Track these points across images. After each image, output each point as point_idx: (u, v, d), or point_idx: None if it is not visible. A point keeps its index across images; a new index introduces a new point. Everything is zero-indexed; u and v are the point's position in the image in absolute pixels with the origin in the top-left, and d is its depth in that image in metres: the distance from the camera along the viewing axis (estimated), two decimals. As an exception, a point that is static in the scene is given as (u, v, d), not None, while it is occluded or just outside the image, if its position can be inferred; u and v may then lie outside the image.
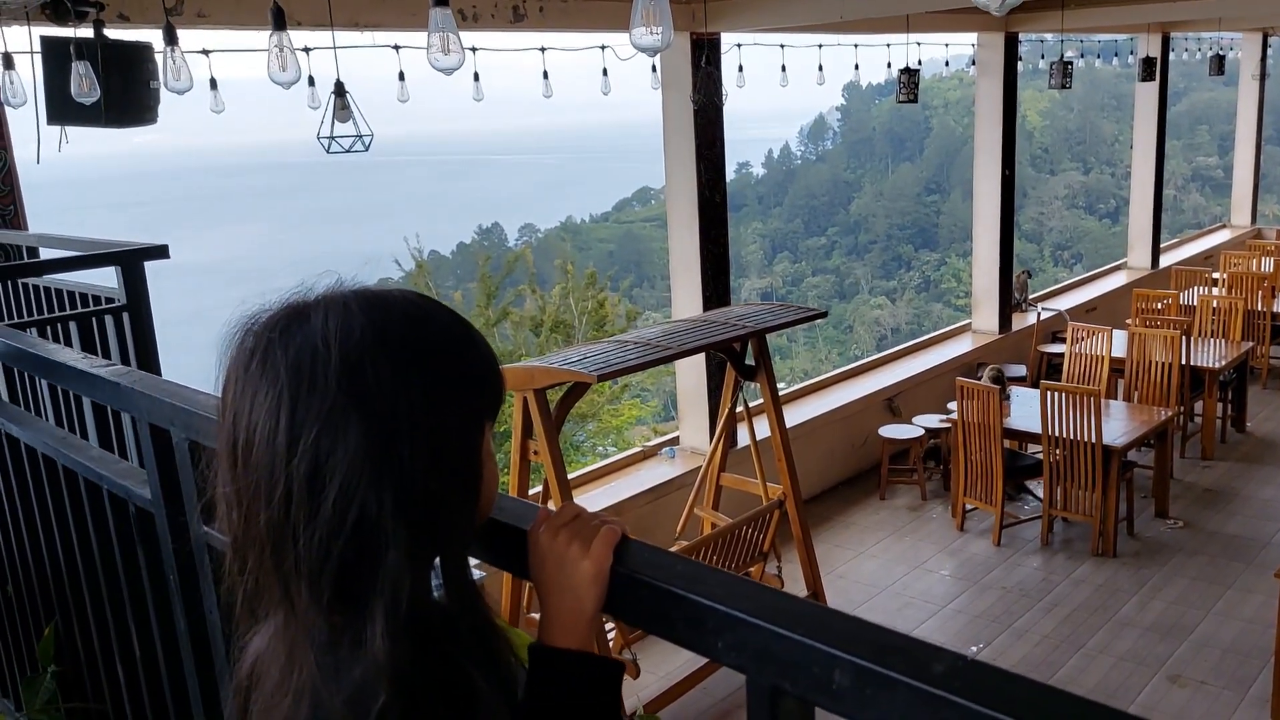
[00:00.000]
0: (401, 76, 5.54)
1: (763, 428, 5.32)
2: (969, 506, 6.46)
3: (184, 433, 1.34)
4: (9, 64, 3.45)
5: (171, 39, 2.65)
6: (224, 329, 0.85)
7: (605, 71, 6.29)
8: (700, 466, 5.52)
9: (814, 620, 0.66)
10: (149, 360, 2.94)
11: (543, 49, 6.10)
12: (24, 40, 3.70)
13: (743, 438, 5.88)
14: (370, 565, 0.77)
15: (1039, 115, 44.57)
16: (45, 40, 3.59)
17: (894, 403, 7.67)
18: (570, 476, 5.90)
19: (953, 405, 6.42)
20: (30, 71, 3.70)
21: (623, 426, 17.03)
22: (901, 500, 7.05)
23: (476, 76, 5.71)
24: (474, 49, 5.64)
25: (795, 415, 6.94)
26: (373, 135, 4.30)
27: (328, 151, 4.18)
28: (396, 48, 5.35)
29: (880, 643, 0.63)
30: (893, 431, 7.12)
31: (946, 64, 8.60)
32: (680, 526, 5.40)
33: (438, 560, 0.81)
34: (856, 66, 7.44)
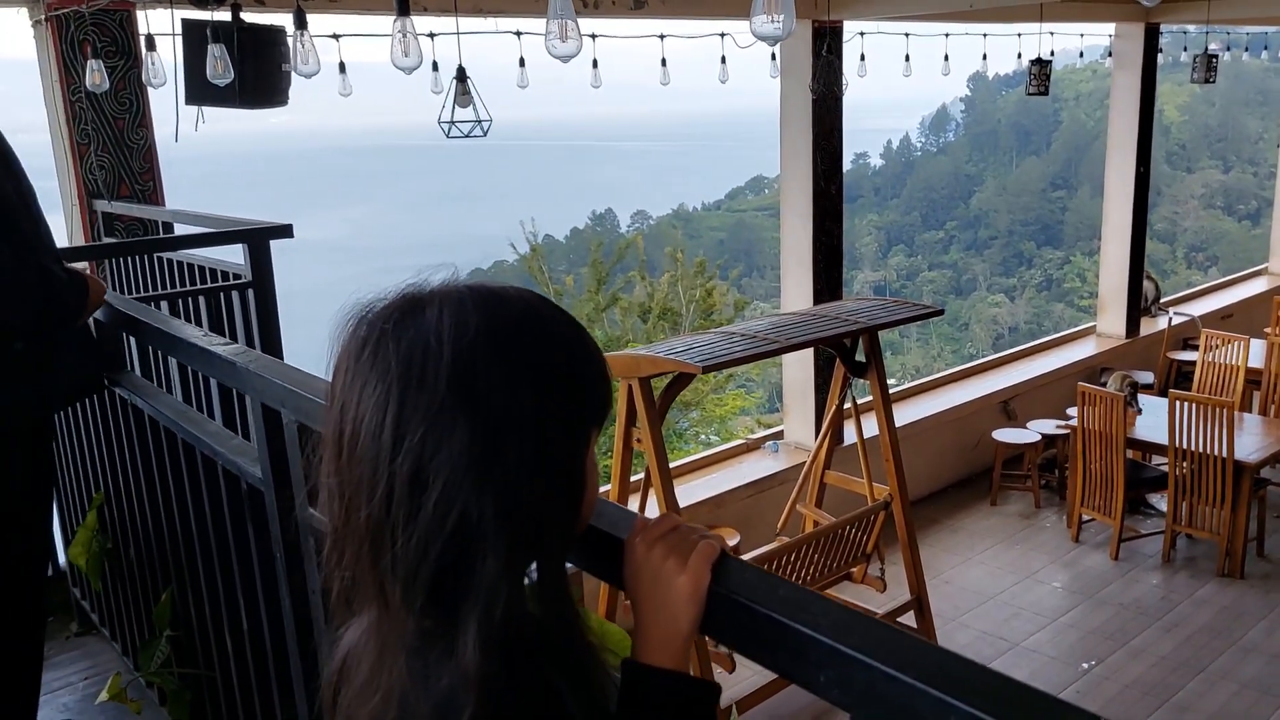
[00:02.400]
0: (522, 62, 5.58)
1: (871, 426, 5.20)
2: (1086, 517, 6.21)
3: (294, 415, 1.36)
4: (151, 46, 3.60)
5: (301, 24, 2.72)
6: (338, 313, 0.84)
7: (724, 59, 6.22)
8: (804, 462, 5.43)
9: (929, 662, 0.62)
10: (271, 336, 3.03)
11: (662, 36, 6.07)
12: (165, 23, 3.86)
13: (849, 435, 5.76)
14: (466, 572, 0.75)
15: (1177, 110, 42.44)
16: (185, 23, 3.73)
17: (1010, 406, 7.41)
18: (671, 465, 5.90)
19: (1072, 411, 6.16)
20: (171, 53, 3.86)
21: (726, 416, 16.95)
22: (1014, 507, 6.81)
23: (595, 63, 5.72)
24: (594, 35, 5.65)
25: (905, 414, 6.77)
26: (491, 121, 4.35)
27: (447, 136, 4.25)
28: (518, 34, 5.39)
29: (1002, 694, 0.58)
30: (1007, 436, 6.89)
31: (1081, 55, 8.22)
32: (781, 522, 5.33)
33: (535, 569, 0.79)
34: (984, 57, 7.18)
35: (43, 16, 3.87)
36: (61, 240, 4.10)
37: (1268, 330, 7.57)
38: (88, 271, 1.99)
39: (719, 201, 52.41)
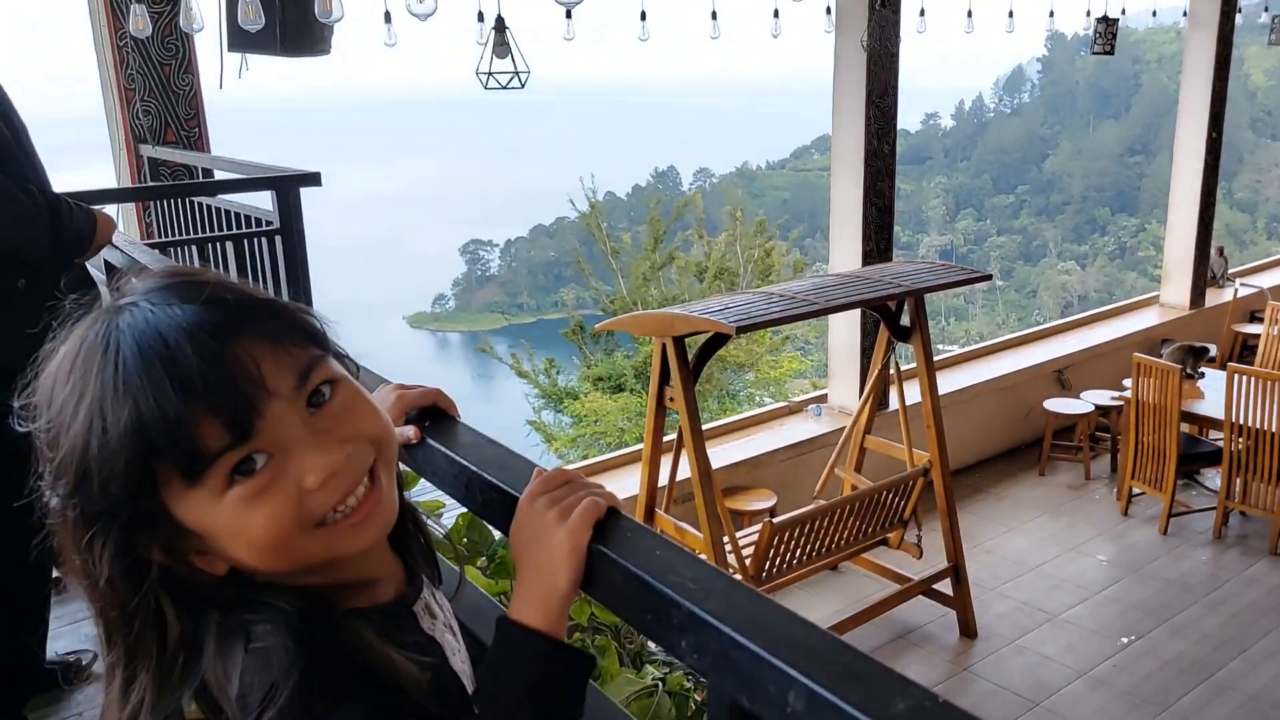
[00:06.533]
0: (568, 14, 5.52)
1: (914, 391, 5.12)
2: (1136, 491, 6.06)
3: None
4: (189, -9, 3.63)
5: (325, -33, 2.71)
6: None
7: (776, 13, 6.09)
8: (845, 426, 5.37)
9: (777, 631, 0.58)
10: (298, 282, 3.06)
11: (714, -13, 5.95)
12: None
13: (893, 400, 5.67)
14: None
15: (1265, 74, 40.67)
16: (227, -30, 3.75)
17: (1064, 375, 7.24)
18: (710, 426, 5.87)
19: (1128, 382, 6.00)
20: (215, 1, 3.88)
21: (782, 378, 16.80)
22: (1062, 478, 6.67)
23: (644, 15, 5.64)
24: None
25: (956, 380, 6.65)
26: (529, 72, 4.31)
27: (485, 87, 4.22)
28: (565, -15, 5.32)
29: (845, 667, 0.55)
30: (1059, 405, 6.73)
31: (1154, 14, 7.88)
32: (820, 485, 5.29)
33: None
34: (1051, 14, 6.92)
35: (91, -38, 3.92)
36: (109, 183, 4.19)
37: (1342, 304, 7.26)
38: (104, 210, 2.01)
39: (784, 160, 51.71)
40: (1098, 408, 6.71)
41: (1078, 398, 6.85)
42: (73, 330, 0.75)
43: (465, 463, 0.92)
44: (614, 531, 0.77)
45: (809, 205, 43.29)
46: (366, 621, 0.78)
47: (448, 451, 0.95)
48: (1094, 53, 6.05)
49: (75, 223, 1.89)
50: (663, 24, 5.70)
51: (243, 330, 0.73)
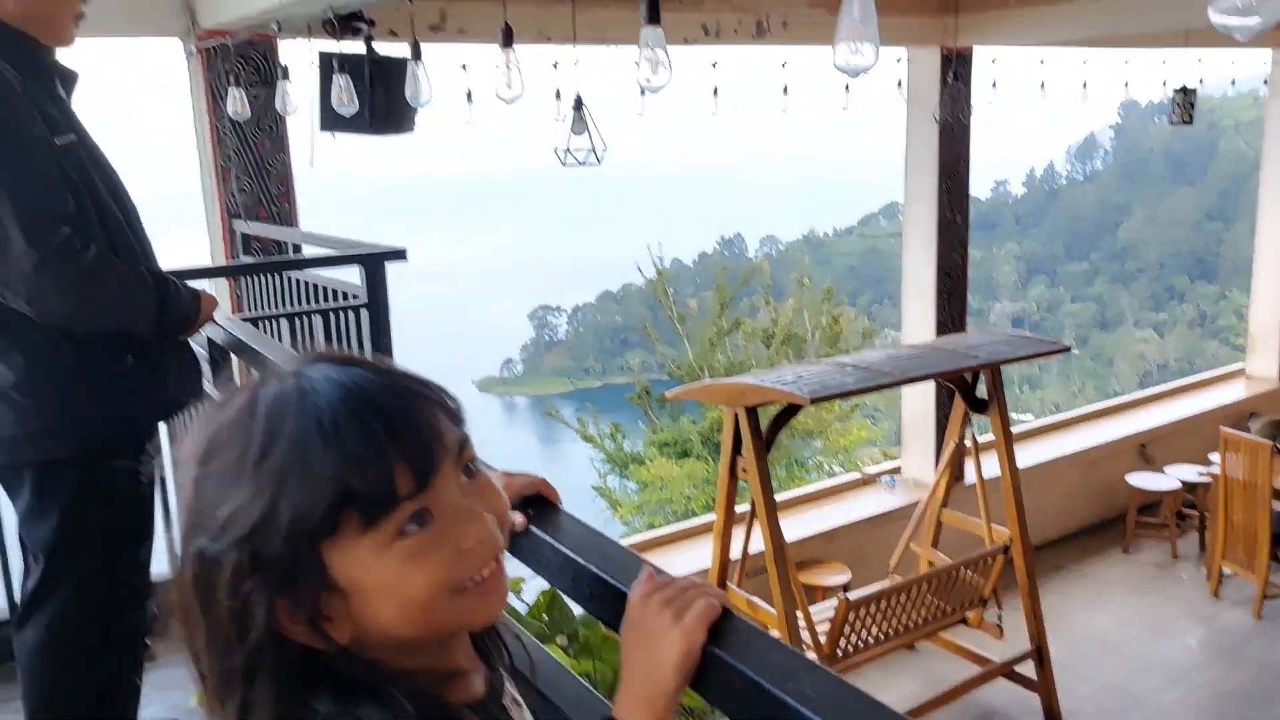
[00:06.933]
0: (642, 91, 5.64)
1: (992, 464, 5.01)
2: (1227, 571, 5.81)
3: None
4: (285, 76, 3.80)
5: (416, 55, 2.82)
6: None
7: (848, 87, 6.15)
8: (921, 500, 5.27)
9: None
10: (382, 355, 3.13)
11: (784, 64, 6.04)
12: (305, 53, 4.07)
13: (970, 474, 5.56)
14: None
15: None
16: (322, 55, 3.93)
17: (1148, 449, 7.03)
18: (783, 498, 5.81)
19: (1215, 457, 5.80)
20: (307, 82, 4.06)
21: (851, 447, 16.55)
22: (1148, 556, 6.45)
23: (716, 91, 5.74)
24: (714, 64, 5.67)
25: (1033, 453, 6.50)
26: (606, 149, 4.40)
27: (563, 164, 4.32)
28: (639, 63, 5.45)
29: None
30: (1143, 481, 6.53)
31: (1233, 83, 7.78)
32: (895, 561, 5.18)
33: None
34: (1126, 84, 6.88)
35: (194, 48, 4.13)
36: (203, 258, 4.36)
37: None
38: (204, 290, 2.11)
39: (851, 227, 51.70)
40: (1184, 484, 6.49)
41: (1162, 472, 6.64)
42: (231, 397, 0.78)
43: (572, 554, 0.93)
44: (729, 634, 0.78)
45: (877, 271, 43.09)
46: (476, 716, 0.79)
47: (553, 542, 0.96)
48: (1172, 123, 5.99)
49: (182, 303, 1.98)
50: (732, 99, 5.80)
51: (423, 394, 0.79)
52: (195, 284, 2.20)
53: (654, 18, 1.93)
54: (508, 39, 2.45)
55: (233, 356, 2.18)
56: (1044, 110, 6.93)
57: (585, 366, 46.73)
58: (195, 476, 0.76)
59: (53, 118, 1.86)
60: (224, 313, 2.23)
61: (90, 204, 1.87)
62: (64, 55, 2.01)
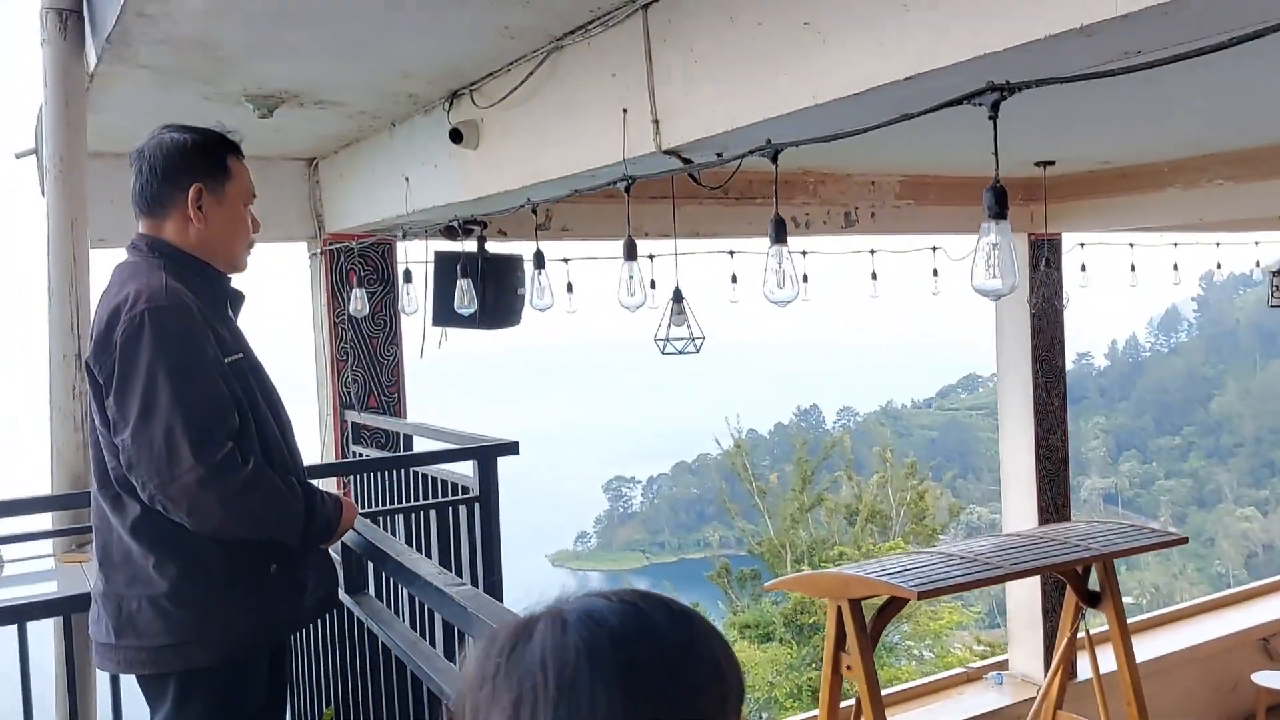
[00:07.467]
0: (734, 279, 5.81)
1: (1107, 659, 4.75)
2: (1377, 785, 5.32)
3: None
4: (408, 279, 4.02)
5: (540, 264, 2.98)
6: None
7: (935, 272, 6.25)
8: (1032, 698, 4.99)
9: None
10: (491, 550, 3.17)
11: (873, 251, 6.19)
12: (421, 253, 4.31)
13: (1083, 670, 5.27)
14: None
15: None
16: (438, 255, 4.16)
17: (1271, 644, 6.59)
18: (885, 693, 5.55)
19: (1351, 656, 5.42)
20: (422, 279, 4.28)
21: (941, 632, 15.89)
22: (1283, 763, 5.94)
23: (805, 278, 5.88)
24: (804, 252, 5.84)
25: (1145, 647, 6.13)
26: (704, 338, 4.51)
27: (662, 353, 4.41)
28: (731, 253, 5.65)
29: None
30: (1270, 680, 6.09)
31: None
32: (1008, 765, 4.87)
33: None
34: (1219, 265, 6.87)
35: (319, 250, 4.41)
36: (313, 446, 4.51)
37: None
38: (342, 494, 2.18)
39: (929, 399, 51.24)
40: (1317, 683, 6.04)
41: (1291, 670, 6.20)
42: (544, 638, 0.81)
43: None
44: None
45: (959, 445, 42.37)
46: None
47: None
48: (1272, 306, 5.92)
49: (325, 512, 2.05)
50: (818, 284, 5.95)
51: None
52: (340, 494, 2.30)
53: (780, 238, 2.02)
54: (630, 253, 2.58)
55: (366, 559, 2.23)
56: (1123, 285, 6.92)
57: (660, 540, 46.13)
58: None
59: (224, 338, 2.00)
60: (362, 519, 2.29)
61: (251, 418, 1.98)
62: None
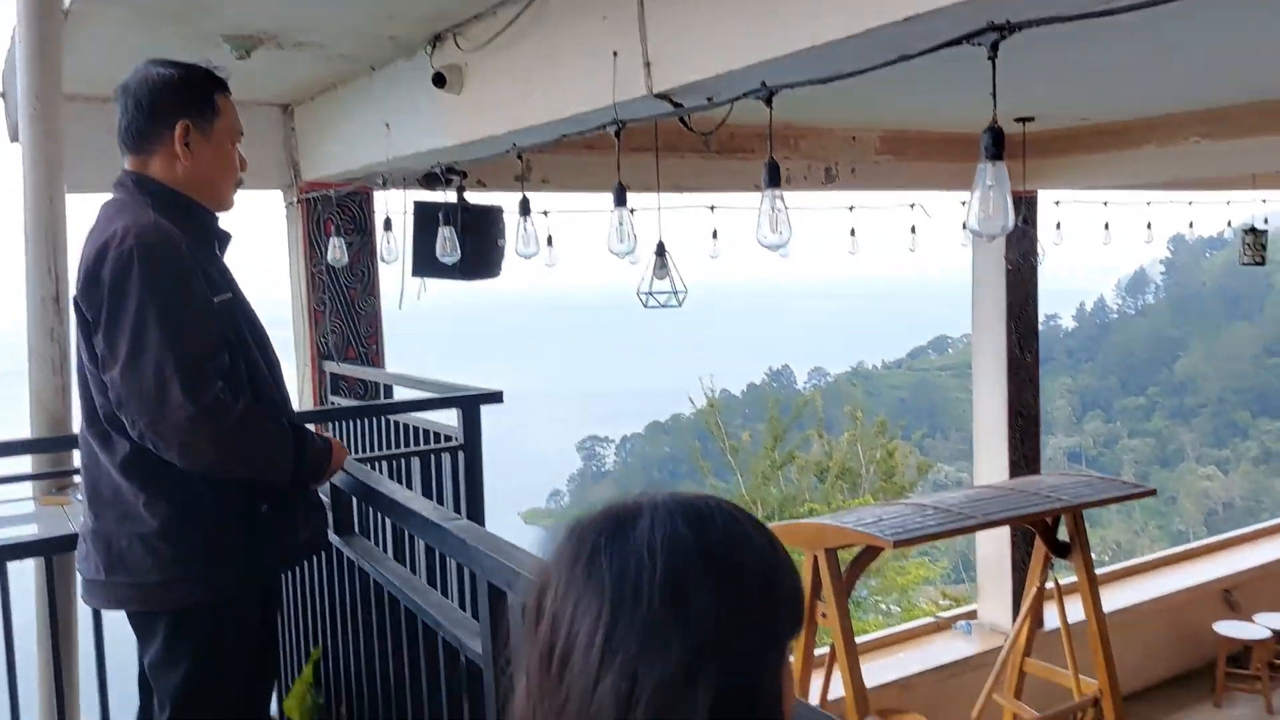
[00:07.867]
0: (715, 235, 5.81)
1: (1075, 610, 4.86)
2: (1330, 730, 5.51)
3: (522, 597, 1.41)
4: (388, 227, 3.98)
5: (525, 211, 2.96)
6: (552, 530, 0.87)
7: (914, 229, 6.27)
8: (1000, 647, 5.10)
9: None
10: (475, 498, 3.18)
11: (851, 207, 6.20)
12: (400, 204, 4.26)
13: (1050, 620, 5.39)
14: None
15: None
16: (417, 205, 4.11)
17: (1233, 595, 6.77)
18: (858, 641, 5.64)
19: (1309, 607, 5.57)
20: (401, 230, 4.23)
21: (908, 586, 16.14)
22: (1241, 710, 6.12)
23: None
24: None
25: (1111, 599, 6.27)
26: (686, 291, 4.51)
27: (645, 306, 4.41)
28: (712, 208, 5.64)
29: None
30: (1231, 629, 6.26)
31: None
32: (976, 712, 4.98)
33: None
34: (1191, 225, 6.94)
35: (295, 199, 4.35)
36: (293, 394, 4.47)
37: None
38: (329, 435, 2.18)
39: (899, 360, 51.60)
40: (1275, 633, 6.21)
41: (1251, 620, 6.37)
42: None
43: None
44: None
45: (928, 405, 42.78)
46: None
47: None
48: (1243, 264, 6.00)
49: (316, 453, 2.04)
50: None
51: None
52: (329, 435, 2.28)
53: (774, 181, 2.02)
54: (620, 198, 2.56)
55: (354, 500, 2.23)
56: (1093, 247, 6.99)
57: (633, 498, 46.33)
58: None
59: (212, 277, 1.97)
60: (352, 460, 2.29)
61: (241, 358, 1.96)
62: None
